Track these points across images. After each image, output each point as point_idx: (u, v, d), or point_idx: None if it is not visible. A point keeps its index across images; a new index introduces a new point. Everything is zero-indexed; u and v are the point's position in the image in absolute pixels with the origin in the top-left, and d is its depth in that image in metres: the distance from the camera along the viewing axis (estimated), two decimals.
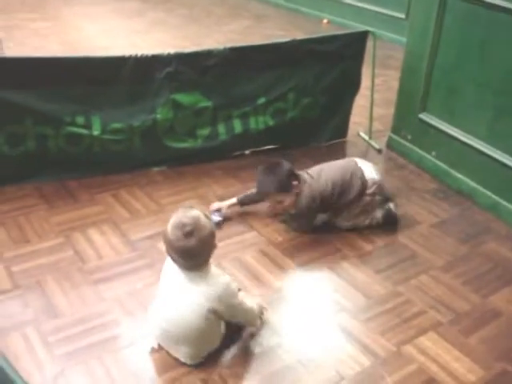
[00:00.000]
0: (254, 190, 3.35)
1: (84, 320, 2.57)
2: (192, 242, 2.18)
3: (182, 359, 2.35)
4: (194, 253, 2.21)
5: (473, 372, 2.44)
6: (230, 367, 2.38)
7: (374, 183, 3.30)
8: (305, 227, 3.31)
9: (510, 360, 2.52)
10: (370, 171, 3.35)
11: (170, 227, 2.22)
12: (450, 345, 2.57)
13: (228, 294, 2.28)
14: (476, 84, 3.62)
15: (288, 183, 3.16)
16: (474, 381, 2.40)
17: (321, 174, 3.28)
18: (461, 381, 2.39)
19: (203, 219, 2.25)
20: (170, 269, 2.34)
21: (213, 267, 2.32)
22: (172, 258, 2.27)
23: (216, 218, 3.27)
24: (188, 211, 2.27)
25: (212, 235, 2.27)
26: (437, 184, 3.98)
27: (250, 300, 2.47)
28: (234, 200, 3.39)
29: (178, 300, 2.27)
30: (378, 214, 3.36)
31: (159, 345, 2.43)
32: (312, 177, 3.26)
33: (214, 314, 2.27)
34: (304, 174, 3.28)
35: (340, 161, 3.48)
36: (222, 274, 2.32)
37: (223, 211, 3.36)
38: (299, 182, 3.20)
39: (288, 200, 3.20)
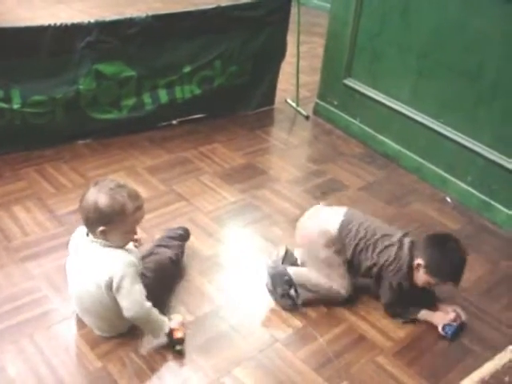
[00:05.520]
0: None
1: (12, 298, 2.50)
2: (91, 194, 2.14)
3: (97, 332, 2.35)
4: (86, 207, 2.14)
5: (402, 328, 2.52)
6: None
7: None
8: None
9: None
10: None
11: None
12: (379, 303, 2.64)
13: (125, 272, 2.15)
14: (399, 48, 3.69)
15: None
16: (402, 336, 2.48)
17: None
18: (390, 336, 2.47)
19: (120, 194, 2.15)
20: (77, 244, 2.31)
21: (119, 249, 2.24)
22: None
23: None
24: (120, 182, 2.23)
25: (114, 211, 2.13)
26: (363, 148, 4.06)
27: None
28: None
29: (82, 273, 2.25)
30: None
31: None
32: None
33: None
34: None
35: None
36: (125, 254, 2.22)
37: None
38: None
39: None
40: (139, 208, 2.23)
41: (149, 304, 2.21)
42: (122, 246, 2.25)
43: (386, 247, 2.50)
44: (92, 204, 2.13)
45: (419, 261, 2.44)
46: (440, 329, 2.49)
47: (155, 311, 2.24)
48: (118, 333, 2.34)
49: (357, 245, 2.52)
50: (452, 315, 2.50)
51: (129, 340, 2.33)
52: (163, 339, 2.29)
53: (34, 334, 2.34)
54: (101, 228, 2.15)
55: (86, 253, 2.25)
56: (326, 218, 2.63)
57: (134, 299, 2.17)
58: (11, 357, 2.23)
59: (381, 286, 2.55)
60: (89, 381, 2.16)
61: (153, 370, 2.22)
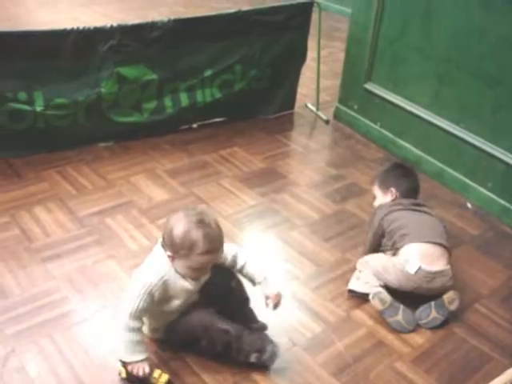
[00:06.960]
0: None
1: (33, 299, 2.53)
2: (175, 217, 2.12)
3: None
4: (166, 227, 2.12)
5: (420, 334, 2.51)
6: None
7: None
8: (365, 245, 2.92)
9: (456, 320, 2.59)
10: None
11: None
12: None
13: (140, 281, 2.12)
14: (419, 53, 3.67)
15: (387, 185, 2.94)
16: (421, 343, 2.47)
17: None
18: (409, 343, 2.46)
19: (197, 231, 2.05)
20: None
21: (160, 259, 2.16)
22: None
23: None
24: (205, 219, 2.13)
25: (183, 245, 2.06)
26: (383, 153, 4.05)
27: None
28: None
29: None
30: None
31: None
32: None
33: None
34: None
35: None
36: (163, 272, 2.14)
37: None
38: (393, 195, 2.91)
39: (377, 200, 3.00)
40: (210, 252, 2.08)
41: (130, 324, 2.09)
42: (183, 276, 2.17)
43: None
44: (170, 228, 2.10)
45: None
46: None
47: (134, 337, 2.12)
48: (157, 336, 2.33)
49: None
50: None
51: (148, 341, 2.32)
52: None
53: (53, 334, 2.36)
54: (169, 253, 2.12)
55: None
56: None
57: (123, 306, 2.12)
58: (31, 356, 2.25)
59: None
60: (109, 381, 2.18)
61: (171, 372, 2.22)
